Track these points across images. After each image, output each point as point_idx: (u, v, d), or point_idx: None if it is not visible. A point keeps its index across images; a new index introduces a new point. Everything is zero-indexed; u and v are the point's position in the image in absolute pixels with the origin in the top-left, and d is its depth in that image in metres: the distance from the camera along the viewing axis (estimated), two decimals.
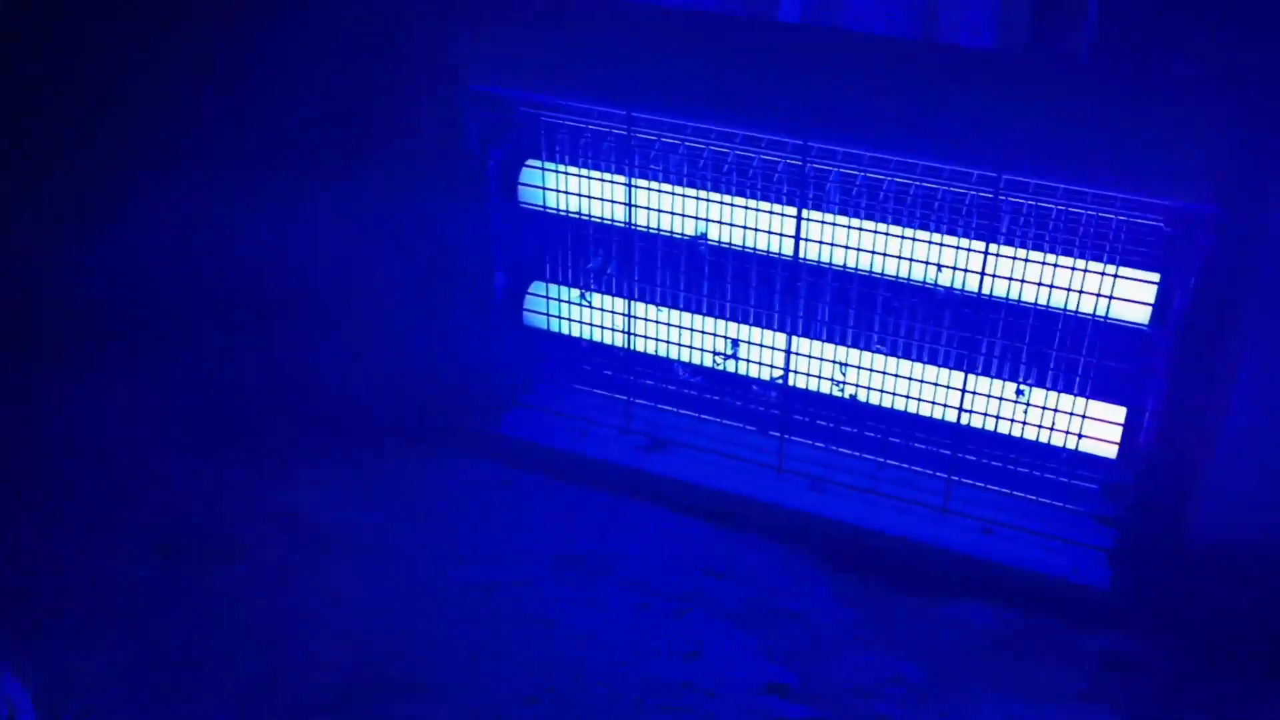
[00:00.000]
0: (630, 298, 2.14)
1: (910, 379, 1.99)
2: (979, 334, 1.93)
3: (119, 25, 2.00)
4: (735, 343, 2.09)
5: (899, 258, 1.88)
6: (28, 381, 2.17)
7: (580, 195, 2.06)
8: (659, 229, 2.04)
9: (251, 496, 2.04)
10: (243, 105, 1.98)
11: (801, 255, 1.94)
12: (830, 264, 1.93)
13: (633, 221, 2.03)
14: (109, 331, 2.18)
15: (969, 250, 1.83)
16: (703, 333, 2.11)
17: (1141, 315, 1.78)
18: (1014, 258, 1.82)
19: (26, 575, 1.87)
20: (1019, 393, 1.92)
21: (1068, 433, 1.91)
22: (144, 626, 1.79)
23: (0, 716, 0.93)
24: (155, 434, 2.12)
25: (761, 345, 2.07)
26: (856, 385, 2.03)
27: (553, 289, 2.19)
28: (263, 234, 1.99)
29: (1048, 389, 1.93)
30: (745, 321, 2.10)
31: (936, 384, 1.98)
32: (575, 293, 2.17)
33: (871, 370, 2.01)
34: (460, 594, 1.91)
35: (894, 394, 2.00)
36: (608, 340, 2.18)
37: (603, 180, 2.04)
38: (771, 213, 1.94)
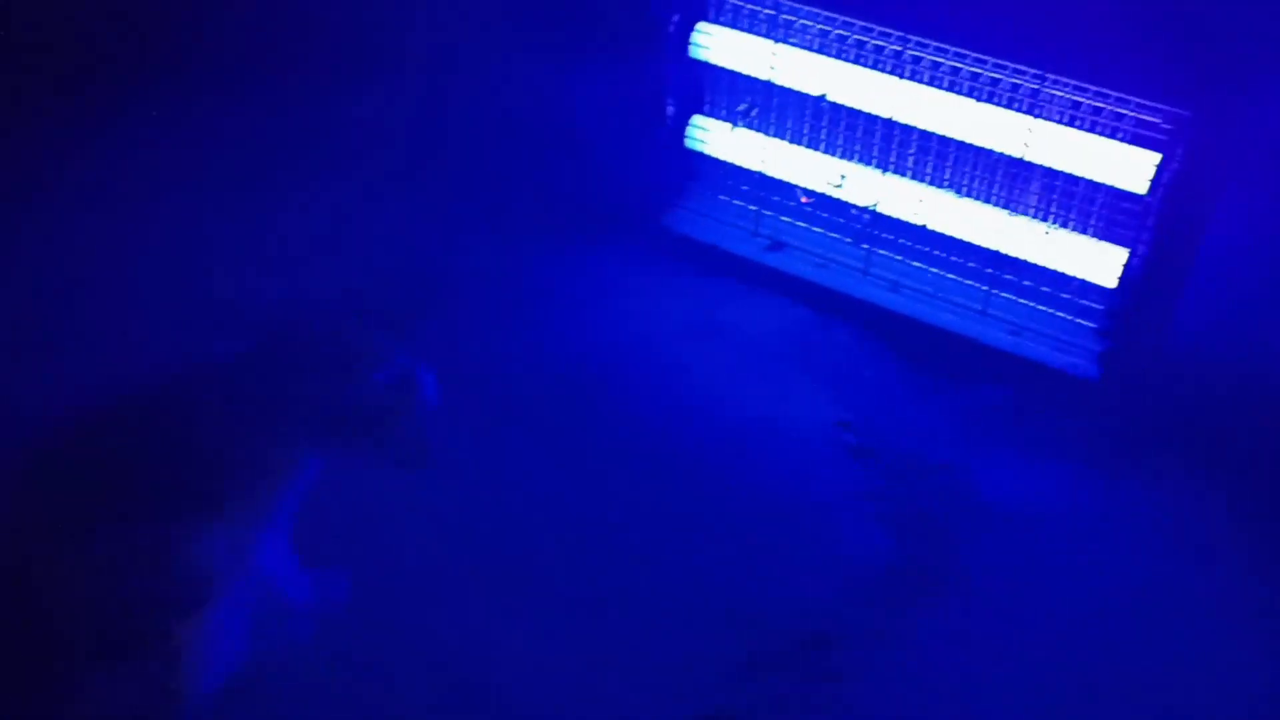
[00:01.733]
0: (766, 133, 2.71)
1: (968, 214, 2.53)
2: (1022, 186, 2.48)
3: None
4: (843, 175, 2.64)
5: (968, 124, 2.41)
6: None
7: (736, 53, 2.60)
8: (792, 86, 2.58)
9: (491, 260, 2.74)
10: None
11: (895, 116, 2.49)
12: (916, 126, 2.49)
13: (774, 78, 2.59)
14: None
15: (1018, 125, 2.36)
16: (818, 166, 2.67)
17: (1143, 185, 2.28)
18: (1052, 132, 2.35)
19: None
20: (1047, 232, 2.47)
21: (1082, 265, 2.43)
22: None
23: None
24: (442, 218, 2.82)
25: (861, 179, 2.63)
26: (929, 215, 2.57)
27: (709, 121, 2.75)
28: (515, 82, 2.67)
29: (1070, 230, 2.46)
30: (851, 159, 2.65)
31: (986, 220, 2.51)
32: (726, 126, 2.74)
33: (941, 205, 2.54)
34: (621, 342, 2.57)
35: (956, 224, 2.55)
36: (747, 164, 2.74)
37: (755, 43, 2.58)
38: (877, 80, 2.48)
